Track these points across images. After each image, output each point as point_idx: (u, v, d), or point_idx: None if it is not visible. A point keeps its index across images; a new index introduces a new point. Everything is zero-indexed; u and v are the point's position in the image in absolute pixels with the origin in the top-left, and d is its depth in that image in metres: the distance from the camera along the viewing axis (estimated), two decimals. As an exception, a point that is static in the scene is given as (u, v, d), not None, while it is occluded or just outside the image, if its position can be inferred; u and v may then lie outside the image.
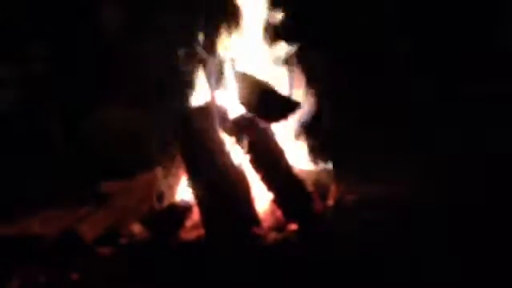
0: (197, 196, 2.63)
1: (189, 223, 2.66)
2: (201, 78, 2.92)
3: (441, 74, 4.11)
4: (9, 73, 3.80)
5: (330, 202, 2.75)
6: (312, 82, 2.99)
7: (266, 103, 2.74)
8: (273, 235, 2.49)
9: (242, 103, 2.82)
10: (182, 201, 2.76)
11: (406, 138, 3.66)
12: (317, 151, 2.97)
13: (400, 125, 3.80)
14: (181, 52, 2.95)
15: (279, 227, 2.56)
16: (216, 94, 2.88)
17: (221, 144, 2.70)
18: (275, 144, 2.75)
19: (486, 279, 2.05)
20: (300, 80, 2.95)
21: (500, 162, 3.17)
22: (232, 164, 2.66)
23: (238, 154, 2.72)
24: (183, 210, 2.68)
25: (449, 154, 3.40)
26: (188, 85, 2.94)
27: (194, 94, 2.93)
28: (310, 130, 2.98)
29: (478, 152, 3.38)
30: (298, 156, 2.93)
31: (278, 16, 2.92)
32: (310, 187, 2.70)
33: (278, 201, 2.63)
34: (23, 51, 3.86)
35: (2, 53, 3.81)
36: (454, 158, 3.33)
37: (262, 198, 2.68)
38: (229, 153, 2.70)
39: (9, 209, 3.03)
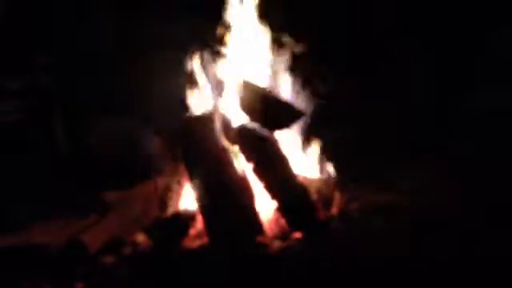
0: (200, 205, 2.63)
1: (192, 232, 2.66)
2: (204, 86, 2.94)
3: (442, 80, 4.10)
4: (15, 83, 3.83)
5: (334, 211, 2.75)
6: (314, 88, 2.99)
7: (270, 111, 2.75)
8: (277, 244, 2.49)
9: (245, 111, 2.82)
10: (186, 209, 2.76)
11: (409, 146, 3.65)
12: (320, 159, 2.96)
13: (404, 133, 3.79)
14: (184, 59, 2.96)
15: (283, 236, 2.56)
16: (219, 102, 2.90)
17: (224, 152, 2.70)
18: (279, 152, 2.74)
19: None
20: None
21: (502, 171, 3.16)
22: (235, 172, 2.66)
23: (241, 163, 2.72)
24: (187, 218, 2.69)
25: (452, 162, 3.39)
26: (191, 93, 2.95)
27: (196, 102, 2.94)
28: (314, 138, 2.98)
29: (481, 160, 3.37)
30: (302, 164, 2.92)
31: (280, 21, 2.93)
32: (313, 196, 2.70)
33: (282, 209, 2.63)
34: (29, 62, 3.89)
35: (8, 64, 3.84)
36: (457, 166, 3.32)
37: (266, 207, 2.68)
38: (232, 161, 2.70)
39: (14, 218, 3.05)
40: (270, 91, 2.83)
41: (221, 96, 2.91)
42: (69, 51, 3.90)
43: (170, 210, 2.78)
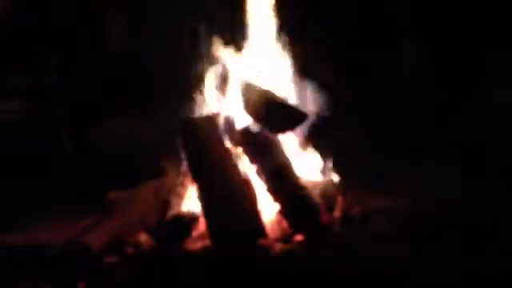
0: (203, 206, 2.62)
1: (195, 233, 2.66)
2: (208, 87, 2.94)
3: (446, 84, 4.11)
4: (20, 82, 3.83)
5: (337, 214, 2.74)
6: (320, 91, 3.00)
7: (273, 114, 2.75)
8: (279, 246, 2.48)
9: (249, 113, 2.83)
10: (189, 211, 2.76)
11: (409, 147, 3.66)
12: (324, 162, 2.97)
13: (406, 137, 3.80)
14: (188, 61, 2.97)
15: (285, 238, 2.56)
16: (223, 103, 2.90)
17: (228, 154, 2.70)
18: (282, 155, 2.75)
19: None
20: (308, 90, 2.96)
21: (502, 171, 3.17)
22: (239, 174, 2.66)
23: (244, 165, 2.72)
24: (190, 220, 2.68)
25: (455, 166, 3.40)
26: (195, 94, 2.96)
27: (201, 103, 2.94)
28: (317, 141, 2.98)
29: (481, 161, 3.38)
30: (305, 167, 2.92)
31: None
32: (316, 198, 2.70)
33: (285, 212, 2.63)
34: (33, 61, 3.90)
35: (13, 63, 3.85)
36: (460, 170, 3.33)
37: (269, 209, 2.68)
38: (235, 163, 2.70)
39: (15, 218, 3.05)
40: (274, 93, 2.83)
41: (225, 97, 2.92)
42: (73, 51, 3.91)
43: (173, 211, 2.77)
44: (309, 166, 2.95)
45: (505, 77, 3.93)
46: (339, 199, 2.82)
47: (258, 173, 2.68)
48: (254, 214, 2.60)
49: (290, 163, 2.74)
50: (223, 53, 2.96)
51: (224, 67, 2.95)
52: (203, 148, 2.69)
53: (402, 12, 4.16)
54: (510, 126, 3.68)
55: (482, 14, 4.03)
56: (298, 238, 2.55)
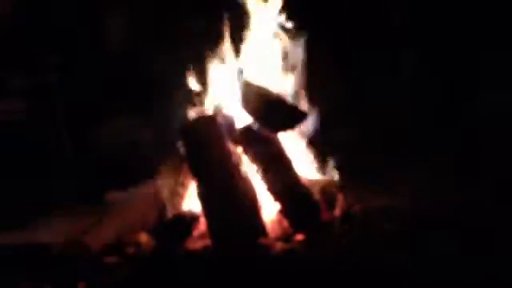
0: (203, 206, 2.62)
1: (195, 233, 2.66)
2: (208, 86, 2.94)
3: (446, 80, 4.11)
4: (20, 82, 3.84)
5: (337, 213, 2.74)
6: (318, 91, 3.00)
7: (273, 113, 2.75)
8: (279, 245, 2.48)
9: (249, 113, 2.82)
10: (189, 210, 2.75)
11: (409, 146, 3.66)
12: (324, 161, 2.96)
13: (406, 137, 3.80)
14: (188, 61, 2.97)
15: (286, 237, 2.55)
16: (223, 103, 2.90)
17: (228, 153, 2.70)
18: (282, 154, 2.74)
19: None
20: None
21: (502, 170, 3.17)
22: (239, 174, 2.66)
23: (244, 164, 2.72)
24: (190, 219, 2.68)
25: (454, 165, 3.40)
26: (195, 93, 2.96)
27: (201, 102, 2.94)
28: (317, 140, 2.98)
29: (481, 160, 3.38)
30: (306, 166, 2.92)
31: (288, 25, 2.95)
32: (317, 197, 2.69)
33: (285, 211, 2.63)
34: (34, 61, 3.90)
35: (14, 63, 3.85)
36: (460, 169, 3.33)
37: (269, 208, 2.68)
38: (236, 162, 2.69)
39: (15, 218, 3.05)
40: (274, 92, 2.83)
41: (225, 96, 2.91)
42: (73, 51, 3.92)
43: (174, 211, 2.77)
44: (309, 165, 2.95)
45: (497, 76, 3.93)
46: (339, 198, 2.82)
47: (258, 172, 2.68)
48: (255, 213, 2.59)
49: (290, 162, 2.73)
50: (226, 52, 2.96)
51: (226, 66, 2.95)
52: (203, 147, 2.69)
53: (401, 14, 4.16)
54: (502, 124, 3.68)
55: (475, 14, 4.03)
56: (299, 237, 2.54)
